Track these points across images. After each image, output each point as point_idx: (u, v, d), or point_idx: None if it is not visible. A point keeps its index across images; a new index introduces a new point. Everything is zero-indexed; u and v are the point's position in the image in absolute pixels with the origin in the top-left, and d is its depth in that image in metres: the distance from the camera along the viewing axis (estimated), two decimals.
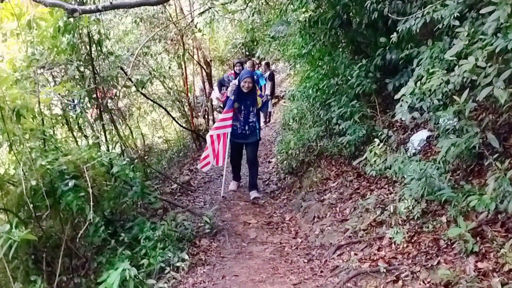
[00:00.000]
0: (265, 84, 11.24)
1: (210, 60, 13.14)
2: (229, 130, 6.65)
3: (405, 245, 4.00)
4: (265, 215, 6.25)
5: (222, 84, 9.20)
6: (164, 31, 9.82)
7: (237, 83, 6.40)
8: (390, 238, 4.21)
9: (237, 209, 6.54)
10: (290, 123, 9.05)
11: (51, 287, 4.58)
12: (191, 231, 5.36)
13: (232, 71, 9.75)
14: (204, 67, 12.63)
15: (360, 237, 4.59)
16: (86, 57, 5.89)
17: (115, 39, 8.83)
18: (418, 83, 3.87)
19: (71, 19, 5.20)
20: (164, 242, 4.85)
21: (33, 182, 4.24)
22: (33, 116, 4.73)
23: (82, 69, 5.96)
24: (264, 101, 7.03)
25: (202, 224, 5.60)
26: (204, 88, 12.97)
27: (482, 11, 3.43)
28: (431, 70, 3.88)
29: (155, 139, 11.84)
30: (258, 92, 6.72)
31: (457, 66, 3.48)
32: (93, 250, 5.04)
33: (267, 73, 12.84)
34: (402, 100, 3.97)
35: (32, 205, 4.32)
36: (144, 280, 4.28)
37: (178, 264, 4.65)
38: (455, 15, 3.80)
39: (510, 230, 3.43)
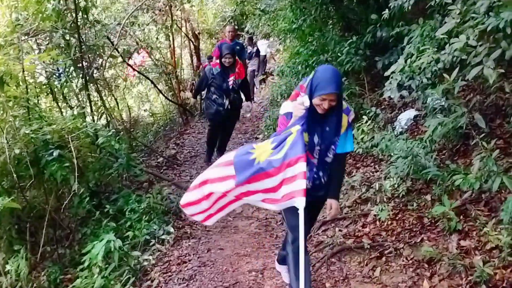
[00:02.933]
0: (245, 59, 10.65)
1: (199, 33, 12.93)
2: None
3: (389, 222, 4.05)
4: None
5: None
6: (152, 1, 9.62)
7: (307, 104, 2.77)
8: (374, 215, 4.26)
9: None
10: (278, 100, 9.00)
11: (35, 257, 4.57)
12: (177, 205, 5.34)
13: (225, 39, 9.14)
14: (192, 39, 12.44)
15: (345, 213, 4.62)
16: (72, 25, 5.74)
17: (101, 7, 8.57)
18: (408, 61, 3.86)
19: None
20: (149, 214, 4.85)
21: (17, 151, 4.17)
22: (17, 83, 4.63)
23: (67, 37, 5.81)
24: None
25: None
26: (192, 61, 12.81)
27: None
28: (421, 48, 3.87)
29: (141, 112, 11.72)
30: (344, 105, 3.03)
31: (447, 45, 3.47)
32: (77, 221, 5.02)
33: (254, 49, 12.65)
34: (392, 78, 3.97)
35: (15, 174, 4.26)
36: (129, 252, 4.29)
37: (163, 237, 4.66)
38: None
39: (493, 209, 3.48)
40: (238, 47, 8.31)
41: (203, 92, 8.13)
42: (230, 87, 6.28)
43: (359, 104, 5.91)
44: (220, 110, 6.38)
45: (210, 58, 9.24)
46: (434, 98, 4.02)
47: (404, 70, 3.86)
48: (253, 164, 2.65)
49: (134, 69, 8.82)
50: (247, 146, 2.79)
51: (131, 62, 8.99)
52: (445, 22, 3.62)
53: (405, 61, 3.86)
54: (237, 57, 6.46)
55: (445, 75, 3.52)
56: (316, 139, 2.93)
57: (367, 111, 5.41)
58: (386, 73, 4.03)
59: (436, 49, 3.71)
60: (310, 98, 2.72)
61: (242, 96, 6.84)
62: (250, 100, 7.32)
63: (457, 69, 3.46)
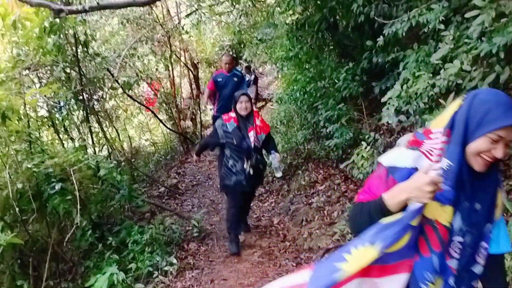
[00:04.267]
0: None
1: (197, 62, 13.11)
2: None
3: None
4: (253, 219, 6.24)
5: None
6: (151, 33, 9.78)
7: (438, 168, 1.50)
8: None
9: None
10: (277, 126, 9.06)
11: None
12: (179, 235, 5.35)
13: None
14: (191, 69, 12.60)
15: (348, 240, 4.61)
16: (72, 58, 5.86)
17: (101, 40, 8.76)
18: (404, 86, 3.92)
19: (57, 20, 5.17)
20: (152, 246, 4.83)
21: (19, 185, 4.19)
22: (19, 118, 4.69)
23: (68, 70, 5.92)
24: None
25: (190, 228, 5.59)
26: (191, 90, 12.94)
27: (467, 15, 3.47)
28: (417, 74, 3.93)
29: (142, 142, 11.77)
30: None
31: (442, 70, 3.53)
32: (80, 254, 5.01)
33: (252, 77, 12.82)
34: (389, 104, 4.01)
35: (18, 208, 4.27)
36: (132, 285, 4.27)
37: (166, 268, 4.63)
38: (441, 19, 3.84)
39: None
40: (236, 79, 7.63)
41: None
42: (252, 145, 4.82)
43: (358, 129, 5.95)
44: (240, 181, 4.88)
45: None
46: (432, 121, 4.05)
47: (401, 96, 3.91)
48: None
49: (134, 100, 8.90)
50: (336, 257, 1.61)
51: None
52: (439, 48, 3.69)
53: (401, 87, 3.92)
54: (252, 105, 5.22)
55: (441, 100, 3.57)
56: (458, 223, 1.60)
57: (366, 136, 5.43)
58: (383, 99, 4.08)
59: (431, 74, 3.77)
60: (463, 145, 1.55)
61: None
62: (275, 150, 5.21)
63: (452, 94, 3.51)
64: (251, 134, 4.82)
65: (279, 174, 5.48)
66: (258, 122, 4.96)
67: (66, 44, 5.73)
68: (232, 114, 4.91)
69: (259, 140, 4.89)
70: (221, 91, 7.49)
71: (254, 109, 5.12)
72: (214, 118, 7.81)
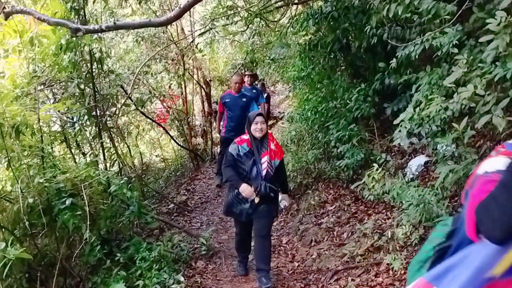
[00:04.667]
0: (264, 102, 10.55)
1: (210, 80, 13.21)
2: None
3: (402, 272, 3.98)
4: None
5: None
6: (165, 51, 9.90)
7: None
8: (387, 264, 4.19)
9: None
10: (288, 145, 9.06)
11: None
12: (187, 253, 5.32)
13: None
14: (204, 86, 12.69)
15: (358, 262, 4.56)
16: (87, 75, 5.91)
17: (116, 57, 8.88)
18: (417, 109, 3.91)
19: (74, 38, 5.24)
20: (159, 263, 4.81)
21: (30, 200, 4.21)
22: (32, 132, 4.73)
23: (82, 86, 5.98)
24: None
25: (199, 246, 5.57)
26: (203, 107, 13.02)
27: (481, 40, 3.48)
28: (430, 97, 3.92)
29: (152, 158, 11.83)
30: None
31: (456, 93, 3.52)
32: (88, 270, 4.98)
33: (265, 95, 12.91)
34: (401, 126, 4.00)
35: (28, 222, 4.29)
36: None
37: (173, 286, 4.60)
38: (454, 43, 3.85)
39: None
40: (244, 99, 7.71)
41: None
42: (264, 172, 4.43)
43: (369, 150, 5.93)
44: (245, 209, 4.55)
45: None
46: (444, 145, 4.02)
47: (413, 118, 3.89)
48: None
49: (147, 116, 8.96)
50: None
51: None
52: (453, 71, 3.69)
53: (414, 109, 3.91)
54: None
55: (454, 124, 3.55)
56: None
57: (377, 158, 5.42)
58: (395, 121, 4.07)
59: (444, 97, 3.76)
60: None
61: None
62: (287, 192, 4.92)
63: (466, 118, 3.50)
64: (265, 159, 4.40)
65: (283, 206, 4.88)
66: (272, 146, 4.52)
67: (81, 61, 5.80)
68: (245, 137, 4.53)
69: (272, 167, 4.44)
70: (229, 111, 7.70)
71: (269, 131, 4.70)
72: (222, 140, 7.99)
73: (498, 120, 3.14)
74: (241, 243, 5.02)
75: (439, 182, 3.97)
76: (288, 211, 7.01)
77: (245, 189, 4.42)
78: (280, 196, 4.67)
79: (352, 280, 4.30)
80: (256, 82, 11.06)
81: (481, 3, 3.97)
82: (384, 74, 5.57)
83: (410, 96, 4.89)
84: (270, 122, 13.71)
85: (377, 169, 4.78)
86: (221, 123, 7.94)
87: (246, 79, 8.97)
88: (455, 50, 3.83)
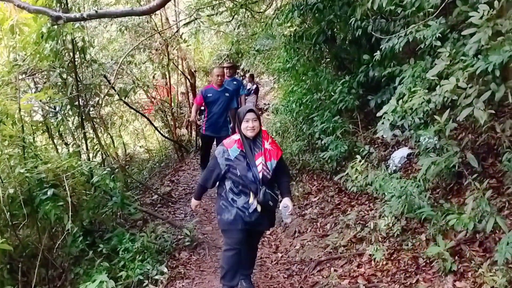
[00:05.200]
0: (245, 94, 10.26)
1: (195, 71, 13.14)
2: None
3: (384, 263, 4.02)
4: None
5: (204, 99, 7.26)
6: (149, 41, 9.81)
7: None
8: (370, 255, 4.23)
9: (215, 223, 6.48)
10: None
11: None
12: (171, 244, 5.30)
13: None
14: (189, 77, 12.61)
15: (340, 253, 4.60)
16: (69, 64, 5.83)
17: (99, 46, 8.77)
18: (400, 101, 3.93)
19: (55, 26, 5.16)
20: (143, 254, 4.78)
21: (11, 190, 4.15)
22: (13, 122, 4.66)
23: (64, 76, 5.89)
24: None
25: (182, 237, 5.55)
26: (188, 98, 12.95)
27: (464, 33, 3.51)
28: (413, 89, 3.95)
29: (136, 149, 11.75)
30: None
31: (438, 86, 3.55)
32: (70, 261, 4.94)
33: (254, 86, 12.92)
34: (384, 118, 4.02)
35: (9, 213, 4.23)
36: None
37: (156, 277, 4.58)
38: (437, 36, 3.88)
39: (487, 249, 3.48)
40: (227, 94, 7.22)
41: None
42: (260, 176, 3.68)
43: (353, 142, 5.97)
44: (241, 217, 3.77)
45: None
46: (427, 137, 4.06)
47: (396, 111, 3.92)
48: None
49: (130, 107, 8.89)
50: None
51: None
52: (436, 64, 3.72)
53: (397, 102, 3.93)
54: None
55: (436, 116, 3.59)
56: None
57: (361, 150, 5.46)
58: (379, 114, 4.09)
59: (427, 90, 3.79)
60: None
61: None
62: (289, 195, 3.89)
63: (448, 111, 3.53)
64: (259, 161, 3.69)
65: (288, 220, 4.02)
66: (267, 145, 3.77)
67: (63, 50, 5.70)
68: (235, 137, 3.82)
69: (269, 169, 3.70)
70: (211, 107, 7.13)
71: (263, 128, 3.90)
72: (203, 137, 7.66)
73: (480, 113, 3.18)
74: (232, 264, 3.92)
75: (421, 174, 4.02)
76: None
77: (194, 204, 4.25)
78: (282, 202, 3.75)
79: (335, 270, 4.34)
80: (246, 75, 10.96)
81: None
82: (369, 67, 5.59)
83: (393, 89, 4.92)
84: None
85: (360, 161, 4.82)
86: (201, 119, 7.37)
87: (225, 70, 8.34)
88: (438, 43, 3.86)
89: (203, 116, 7.36)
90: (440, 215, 3.81)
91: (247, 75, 14.10)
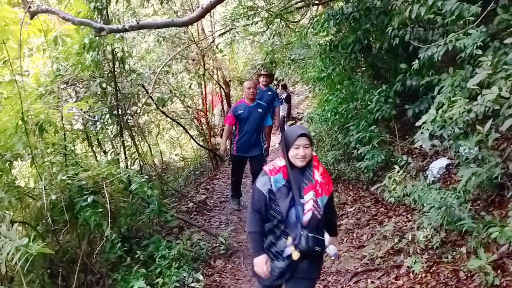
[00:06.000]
0: (278, 107, 10.07)
1: (229, 80, 13.26)
2: None
3: (423, 275, 3.94)
4: None
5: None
6: (186, 51, 9.96)
7: None
8: (408, 267, 4.15)
9: None
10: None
11: None
12: (206, 251, 5.35)
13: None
14: (223, 86, 12.74)
15: (377, 264, 4.52)
16: (109, 74, 5.99)
17: (137, 57, 8.98)
18: (439, 111, 3.86)
19: (97, 37, 5.31)
20: (179, 261, 4.84)
21: (53, 197, 4.27)
22: (55, 130, 4.81)
23: (104, 85, 6.04)
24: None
25: (218, 245, 5.59)
26: (222, 107, 13.07)
27: (506, 41, 3.43)
28: (452, 99, 3.87)
29: (172, 157, 11.90)
30: None
31: (479, 96, 3.47)
32: (108, 267, 5.04)
33: (284, 95, 12.92)
34: (423, 128, 3.96)
35: (50, 219, 4.36)
36: None
37: (192, 284, 4.63)
38: (478, 44, 3.79)
39: None
40: (260, 110, 6.59)
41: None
42: (308, 216, 2.87)
43: (390, 152, 5.89)
44: (277, 268, 3.02)
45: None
46: (467, 147, 3.97)
47: (436, 120, 3.85)
48: None
49: (167, 116, 9.03)
50: None
51: None
52: (476, 73, 3.64)
53: (436, 111, 3.87)
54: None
55: (478, 126, 3.50)
56: None
57: (398, 160, 5.37)
58: (418, 123, 4.03)
59: (467, 100, 3.71)
60: None
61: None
62: (336, 235, 3.37)
63: (490, 121, 3.44)
64: (309, 197, 2.87)
65: (333, 254, 3.14)
66: (318, 176, 2.96)
67: (103, 60, 5.87)
68: (280, 163, 3.01)
69: (319, 207, 2.88)
70: (242, 125, 6.47)
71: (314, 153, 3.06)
72: (234, 159, 6.92)
73: None
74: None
75: (461, 185, 3.92)
76: None
77: (259, 265, 2.99)
78: (327, 241, 3.05)
79: (372, 282, 4.27)
80: (279, 84, 10.90)
81: (506, 4, 3.92)
82: (406, 76, 5.51)
83: (432, 98, 4.84)
84: (289, 123, 13.68)
85: (398, 171, 4.74)
86: (229, 138, 6.84)
87: (261, 79, 8.42)
88: (479, 52, 3.77)
89: (233, 138, 6.74)
90: (481, 227, 3.71)
91: (280, 84, 14.15)
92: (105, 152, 6.70)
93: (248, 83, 6.70)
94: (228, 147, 6.96)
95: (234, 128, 6.71)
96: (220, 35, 10.30)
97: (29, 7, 4.18)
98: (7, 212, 4.48)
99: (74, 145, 5.87)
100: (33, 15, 4.38)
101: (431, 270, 3.96)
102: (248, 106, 6.47)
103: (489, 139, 3.51)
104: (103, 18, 5.62)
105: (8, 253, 3.24)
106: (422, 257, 4.13)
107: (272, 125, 7.40)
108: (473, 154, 3.94)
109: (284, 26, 10.17)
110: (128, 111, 6.66)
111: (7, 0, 4.83)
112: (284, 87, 13.72)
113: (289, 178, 2.93)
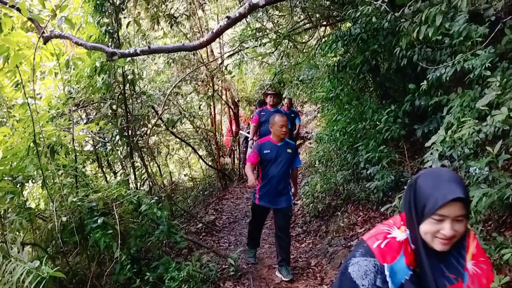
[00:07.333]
0: (300, 123, 10.86)
1: (238, 101, 13.35)
2: None
3: None
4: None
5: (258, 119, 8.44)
6: (195, 72, 10.07)
7: None
8: None
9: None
10: (316, 165, 9.03)
11: None
12: (216, 273, 5.32)
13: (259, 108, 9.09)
14: (232, 107, 12.82)
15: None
16: (120, 96, 6.08)
17: (147, 79, 9.09)
18: (449, 131, 3.86)
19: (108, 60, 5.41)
20: (188, 283, 4.82)
21: (64, 218, 4.31)
22: (66, 152, 4.86)
23: (115, 107, 6.13)
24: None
25: (227, 266, 5.56)
26: (231, 127, 13.14)
27: None
28: (462, 119, 3.87)
29: (181, 177, 11.95)
30: None
31: (489, 116, 3.47)
32: None
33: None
34: (433, 148, 3.95)
35: (61, 240, 4.38)
36: None
37: None
38: (487, 65, 3.81)
39: None
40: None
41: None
42: None
43: (400, 172, 5.86)
44: None
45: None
46: (477, 168, 3.95)
47: (445, 141, 3.84)
48: None
49: (176, 136, 9.09)
50: None
51: None
52: (485, 93, 3.64)
53: (446, 132, 3.86)
54: None
55: (488, 147, 3.49)
56: None
57: (408, 180, 5.35)
58: (427, 144, 4.02)
59: (476, 120, 3.71)
60: None
61: None
62: None
63: (500, 142, 3.43)
64: None
65: None
66: (470, 263, 1.69)
67: (114, 83, 5.97)
68: (399, 234, 1.69)
69: None
70: (268, 168, 5.39)
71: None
72: (256, 208, 5.67)
73: None
74: None
75: (472, 205, 3.89)
76: (316, 233, 6.95)
77: None
78: None
79: None
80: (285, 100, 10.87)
81: None
82: (414, 96, 5.52)
83: (441, 118, 4.83)
84: (297, 142, 13.67)
85: None
86: (254, 190, 5.55)
87: (268, 99, 8.34)
88: (488, 73, 3.78)
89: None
90: (493, 248, 3.66)
91: (286, 99, 13.95)
92: (115, 173, 6.75)
93: (281, 119, 5.43)
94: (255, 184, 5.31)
95: (255, 169, 5.66)
96: (228, 56, 10.43)
97: (43, 32, 4.26)
98: (18, 233, 4.52)
99: (84, 167, 5.93)
100: (46, 40, 4.47)
101: None
102: (275, 145, 5.39)
103: (500, 160, 3.50)
104: (114, 41, 5.72)
105: (19, 276, 3.25)
106: None
107: (299, 166, 6.08)
108: (483, 174, 3.92)
109: (292, 47, 10.27)
110: (138, 132, 6.73)
111: (21, 25, 4.94)
112: (290, 102, 13.33)
113: (420, 270, 1.65)
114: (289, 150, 5.39)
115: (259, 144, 5.52)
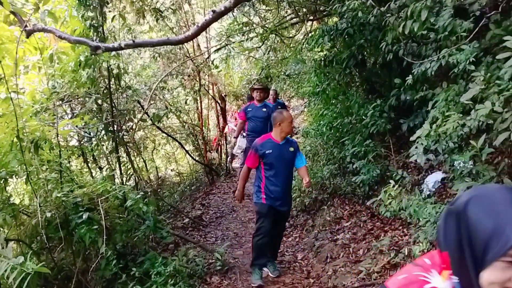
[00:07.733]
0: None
1: (225, 95, 13.31)
2: None
3: None
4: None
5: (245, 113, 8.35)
6: (181, 67, 10.01)
7: None
8: None
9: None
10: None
11: None
12: (202, 268, 5.32)
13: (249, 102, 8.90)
14: (219, 101, 12.78)
15: (374, 279, 4.51)
16: (105, 91, 6.01)
17: (133, 73, 9.01)
18: (434, 125, 3.88)
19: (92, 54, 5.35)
20: (175, 278, 4.81)
21: (48, 214, 4.27)
22: (51, 147, 4.81)
23: (100, 102, 6.07)
24: None
25: (213, 261, 5.56)
26: (218, 122, 13.10)
27: (498, 57, 3.47)
28: (446, 113, 3.90)
29: (168, 172, 11.90)
30: None
31: (473, 110, 3.50)
32: (103, 284, 5.00)
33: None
34: (418, 142, 3.98)
35: (45, 236, 4.34)
36: None
37: None
38: (471, 60, 3.83)
39: None
40: (264, 110, 7.99)
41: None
42: None
43: (385, 166, 5.91)
44: None
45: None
46: (462, 161, 3.99)
47: (430, 135, 3.87)
48: None
49: (162, 131, 9.04)
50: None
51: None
52: (469, 88, 3.67)
53: (430, 126, 3.89)
54: None
55: (472, 141, 3.53)
56: None
57: (394, 174, 5.39)
58: (412, 138, 4.05)
59: (461, 114, 3.74)
60: None
61: None
62: None
63: (484, 135, 3.47)
64: None
65: None
66: None
67: (99, 77, 5.90)
68: (438, 283, 1.17)
69: None
70: (272, 168, 5.06)
71: None
72: (262, 208, 5.13)
73: None
74: None
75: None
76: (303, 227, 6.97)
77: None
78: None
79: None
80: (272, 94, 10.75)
81: (498, 20, 3.96)
82: (400, 90, 5.55)
83: (426, 112, 4.87)
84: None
85: (393, 186, 4.75)
86: (258, 189, 5.20)
87: (255, 94, 8.13)
88: (472, 67, 3.81)
89: (258, 182, 5.26)
90: None
91: (271, 91, 13.63)
92: (100, 168, 6.70)
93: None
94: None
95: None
96: (215, 51, 10.38)
97: (25, 26, 4.20)
98: (2, 229, 4.46)
99: (69, 162, 5.87)
100: (29, 34, 4.41)
101: None
102: (277, 144, 5.05)
103: (483, 154, 3.53)
104: (99, 35, 5.66)
105: (3, 272, 3.21)
106: None
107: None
108: (467, 168, 3.96)
109: (279, 41, 10.25)
110: (124, 127, 6.67)
111: (3, 19, 4.86)
112: (275, 93, 12.97)
113: None
114: (291, 149, 5.10)
115: (258, 144, 5.09)
